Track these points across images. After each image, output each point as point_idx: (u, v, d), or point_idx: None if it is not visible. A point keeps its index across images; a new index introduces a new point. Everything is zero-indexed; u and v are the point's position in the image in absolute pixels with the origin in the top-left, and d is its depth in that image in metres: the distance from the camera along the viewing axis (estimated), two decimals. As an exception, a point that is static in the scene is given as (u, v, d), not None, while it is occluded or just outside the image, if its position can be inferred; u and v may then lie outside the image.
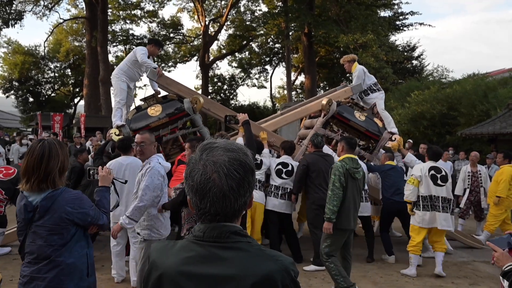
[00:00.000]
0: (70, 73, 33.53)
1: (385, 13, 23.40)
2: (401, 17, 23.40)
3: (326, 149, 6.14)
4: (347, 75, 8.18)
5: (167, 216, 4.03)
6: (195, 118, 6.33)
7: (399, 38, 51.78)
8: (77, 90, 33.81)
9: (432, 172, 5.54)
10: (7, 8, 20.18)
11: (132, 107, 6.91)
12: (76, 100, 35.20)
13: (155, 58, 7.07)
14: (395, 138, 6.86)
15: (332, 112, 6.71)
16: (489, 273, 5.77)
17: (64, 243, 2.37)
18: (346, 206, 4.55)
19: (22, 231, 2.42)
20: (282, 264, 1.18)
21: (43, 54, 31.20)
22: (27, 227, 2.39)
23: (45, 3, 25.63)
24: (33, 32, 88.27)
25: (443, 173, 5.57)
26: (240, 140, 5.49)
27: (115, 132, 6.12)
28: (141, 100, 6.56)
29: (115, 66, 30.90)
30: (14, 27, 20.75)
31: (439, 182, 5.50)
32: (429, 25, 23.59)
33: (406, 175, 7.64)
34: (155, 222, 3.86)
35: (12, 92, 32.19)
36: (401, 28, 24.00)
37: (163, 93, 6.69)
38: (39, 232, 2.34)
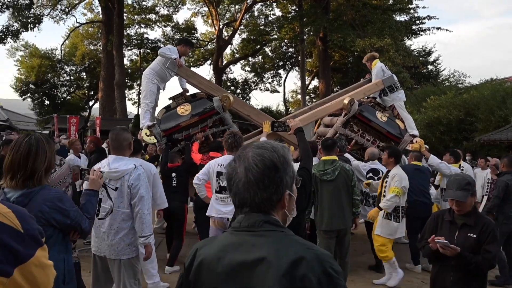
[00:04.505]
0: (85, 77, 33.91)
1: (400, 18, 23.23)
2: (417, 22, 23.20)
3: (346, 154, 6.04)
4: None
5: None
6: (224, 116, 6.27)
7: (414, 43, 51.34)
8: (92, 93, 34.19)
9: None
10: (26, 12, 20.49)
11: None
12: (91, 103, 35.58)
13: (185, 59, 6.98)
14: (416, 141, 6.70)
15: (353, 111, 6.57)
16: None
17: None
18: (322, 209, 4.62)
19: None
20: (315, 253, 1.16)
21: (59, 57, 31.60)
22: None
23: (62, 7, 26.04)
24: (50, 35, 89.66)
25: None
26: (263, 140, 5.45)
27: (146, 133, 6.12)
28: (169, 98, 6.50)
29: (129, 70, 31.33)
30: (33, 30, 21.04)
31: None
32: (446, 30, 23.31)
33: (435, 178, 7.46)
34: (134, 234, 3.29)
35: (28, 94, 32.62)
36: (418, 32, 23.79)
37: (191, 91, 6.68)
38: None
